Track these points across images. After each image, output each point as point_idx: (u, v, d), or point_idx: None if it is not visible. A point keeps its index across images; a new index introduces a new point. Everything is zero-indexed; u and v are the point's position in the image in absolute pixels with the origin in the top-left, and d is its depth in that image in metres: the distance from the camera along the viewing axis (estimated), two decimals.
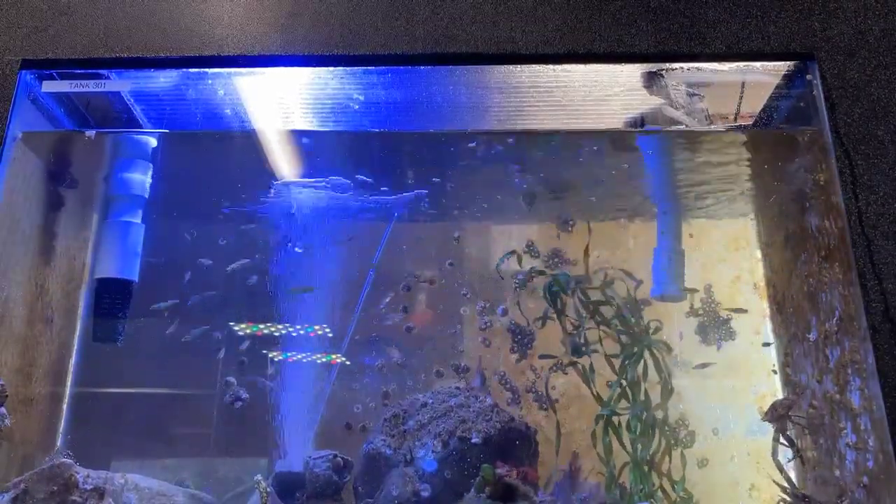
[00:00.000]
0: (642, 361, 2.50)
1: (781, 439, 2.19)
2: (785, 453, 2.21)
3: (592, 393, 2.49)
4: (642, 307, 2.62)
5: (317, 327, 2.87)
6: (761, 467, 2.61)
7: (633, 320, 2.51)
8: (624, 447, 2.43)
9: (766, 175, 2.70)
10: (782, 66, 2.26)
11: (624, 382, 2.46)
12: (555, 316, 2.59)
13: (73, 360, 2.72)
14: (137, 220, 2.65)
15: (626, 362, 2.48)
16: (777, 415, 2.21)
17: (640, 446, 2.40)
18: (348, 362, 2.84)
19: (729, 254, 2.91)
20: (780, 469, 2.19)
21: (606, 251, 2.73)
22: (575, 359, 2.55)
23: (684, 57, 2.25)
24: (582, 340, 2.55)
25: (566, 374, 2.64)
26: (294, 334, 2.87)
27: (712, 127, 2.42)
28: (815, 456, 2.35)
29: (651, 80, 2.36)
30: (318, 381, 2.84)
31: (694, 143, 2.58)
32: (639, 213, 2.92)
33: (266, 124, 2.66)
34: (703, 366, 2.63)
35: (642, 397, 2.45)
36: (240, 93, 2.51)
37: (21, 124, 2.31)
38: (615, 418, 2.47)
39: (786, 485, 2.18)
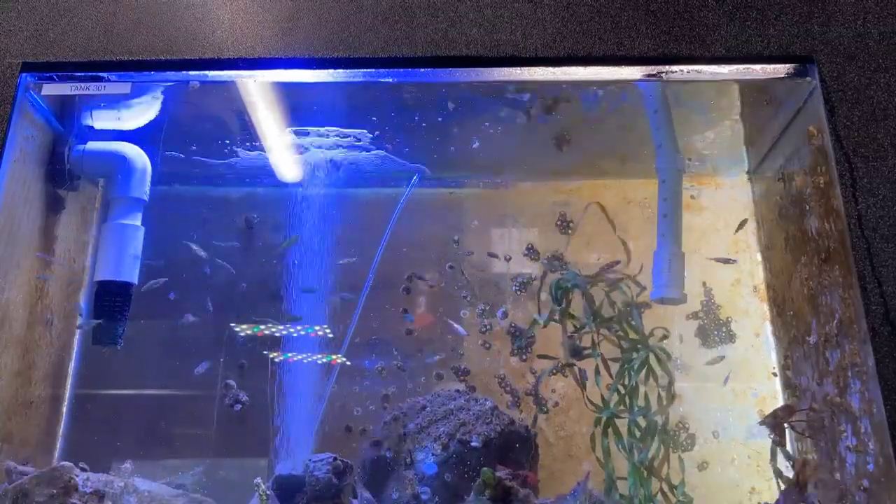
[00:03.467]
0: (644, 366, 2.49)
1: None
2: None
3: (584, 398, 2.48)
4: (643, 310, 2.62)
5: (317, 327, 2.87)
6: (761, 470, 2.61)
7: (636, 324, 2.50)
8: (623, 450, 2.42)
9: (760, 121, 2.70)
10: (782, 69, 2.26)
11: (622, 389, 2.46)
12: (557, 316, 2.58)
13: (72, 363, 2.73)
14: (137, 222, 2.65)
15: (626, 367, 2.48)
16: (776, 422, 2.21)
17: (636, 451, 2.39)
18: (349, 363, 2.84)
19: (729, 256, 2.90)
20: (779, 475, 2.19)
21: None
22: (574, 361, 2.54)
23: (684, 60, 2.25)
24: (581, 343, 2.55)
25: (566, 376, 2.64)
26: (295, 335, 2.88)
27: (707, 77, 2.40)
28: (815, 458, 2.35)
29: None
30: (320, 384, 2.84)
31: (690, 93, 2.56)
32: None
33: (265, 126, 2.67)
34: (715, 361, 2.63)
35: (642, 401, 2.44)
36: (239, 94, 2.52)
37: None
38: (615, 422, 2.46)
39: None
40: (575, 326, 2.54)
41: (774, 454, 2.20)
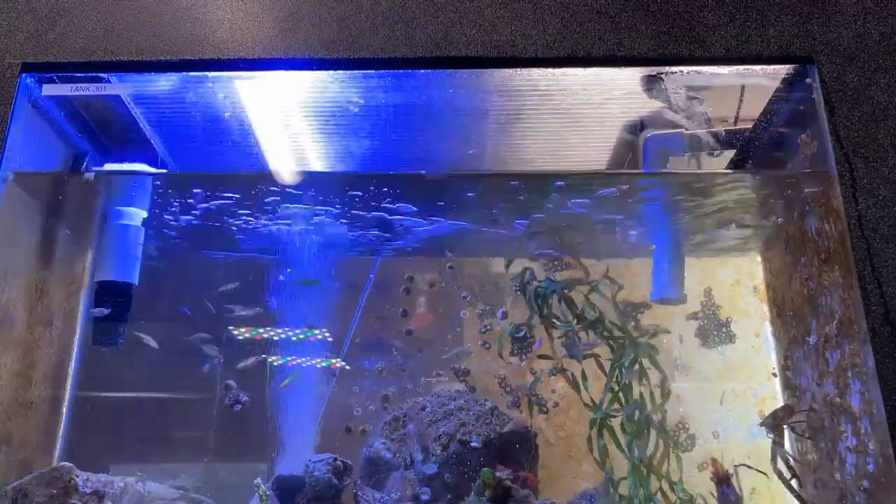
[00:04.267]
0: (635, 364, 2.48)
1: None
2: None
3: (582, 399, 2.47)
4: (642, 311, 2.61)
5: (316, 331, 2.86)
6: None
7: (619, 325, 2.49)
8: (622, 450, 2.42)
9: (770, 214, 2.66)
10: (782, 70, 2.26)
11: (616, 387, 2.45)
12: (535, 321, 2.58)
13: (72, 364, 2.72)
14: (138, 223, 2.64)
15: (615, 365, 2.47)
16: (775, 423, 2.22)
17: (635, 448, 2.39)
18: (348, 367, 2.84)
19: (729, 258, 2.90)
20: (780, 476, 2.19)
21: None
22: (564, 368, 2.54)
23: (684, 60, 2.25)
24: (579, 343, 2.55)
25: (566, 374, 2.64)
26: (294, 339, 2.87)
27: (716, 170, 2.41)
28: (815, 459, 2.35)
29: (651, 83, 2.36)
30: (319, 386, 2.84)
31: (697, 186, 2.53)
32: (638, 253, 2.89)
33: (265, 129, 2.67)
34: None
35: (634, 399, 2.44)
36: (240, 96, 2.52)
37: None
38: (611, 422, 2.46)
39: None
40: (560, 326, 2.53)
41: (775, 455, 2.20)
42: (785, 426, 2.25)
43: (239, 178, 2.59)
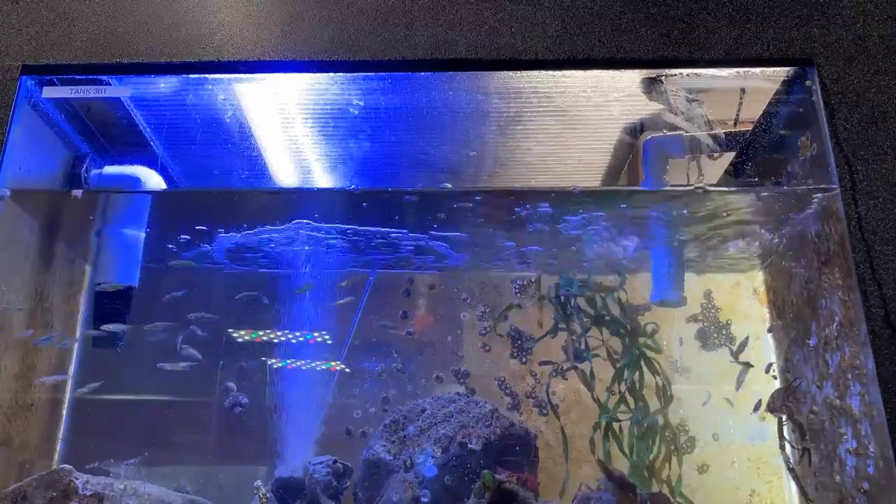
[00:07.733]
0: (640, 366, 2.49)
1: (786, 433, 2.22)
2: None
3: (593, 398, 2.48)
4: (642, 312, 2.62)
5: (316, 334, 2.86)
6: (762, 473, 2.61)
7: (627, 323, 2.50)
8: (624, 453, 2.42)
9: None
10: (781, 72, 2.27)
11: (621, 388, 2.46)
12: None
13: (72, 366, 2.72)
14: (140, 233, 2.63)
15: (621, 365, 2.47)
16: (778, 404, 2.23)
17: (638, 451, 2.40)
18: (348, 369, 2.84)
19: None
20: (787, 462, 2.20)
21: None
22: (576, 364, 2.54)
23: (684, 63, 2.25)
24: (582, 346, 2.55)
25: (566, 379, 2.64)
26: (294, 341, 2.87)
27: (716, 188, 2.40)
28: (815, 461, 2.35)
29: (650, 85, 2.36)
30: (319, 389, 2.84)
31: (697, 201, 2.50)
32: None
33: (265, 130, 2.67)
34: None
35: (641, 403, 2.44)
36: (239, 97, 2.52)
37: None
38: (615, 424, 2.46)
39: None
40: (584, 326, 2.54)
41: (783, 445, 2.21)
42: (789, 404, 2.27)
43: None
